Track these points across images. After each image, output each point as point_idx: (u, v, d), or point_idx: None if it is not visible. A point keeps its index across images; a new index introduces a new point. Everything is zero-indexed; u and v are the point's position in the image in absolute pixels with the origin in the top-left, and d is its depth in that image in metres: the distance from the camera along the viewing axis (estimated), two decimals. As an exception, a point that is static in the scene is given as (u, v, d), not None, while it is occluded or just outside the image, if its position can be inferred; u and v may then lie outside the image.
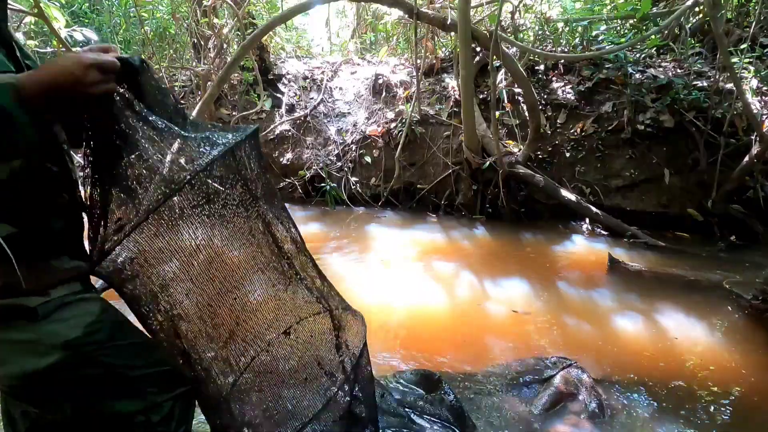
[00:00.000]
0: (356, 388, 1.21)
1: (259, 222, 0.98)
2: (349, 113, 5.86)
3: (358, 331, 1.19)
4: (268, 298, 1.04)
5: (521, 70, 4.37)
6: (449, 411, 1.56)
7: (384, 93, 5.86)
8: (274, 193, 1.03)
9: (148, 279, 0.89)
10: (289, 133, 5.71)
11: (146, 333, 0.94)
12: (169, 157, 0.84)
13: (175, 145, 0.85)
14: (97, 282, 0.94)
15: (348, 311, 1.17)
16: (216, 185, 0.88)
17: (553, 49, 5.44)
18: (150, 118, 0.81)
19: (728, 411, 1.78)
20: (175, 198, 0.84)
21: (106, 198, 0.85)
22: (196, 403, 1.03)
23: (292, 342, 1.11)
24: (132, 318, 0.94)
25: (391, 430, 1.46)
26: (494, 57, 4.13)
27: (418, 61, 5.40)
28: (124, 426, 0.87)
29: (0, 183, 0.73)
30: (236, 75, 5.80)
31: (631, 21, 5.20)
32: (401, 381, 1.77)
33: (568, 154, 4.68)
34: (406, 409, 1.56)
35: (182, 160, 0.84)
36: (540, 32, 5.60)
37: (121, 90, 0.78)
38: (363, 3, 6.53)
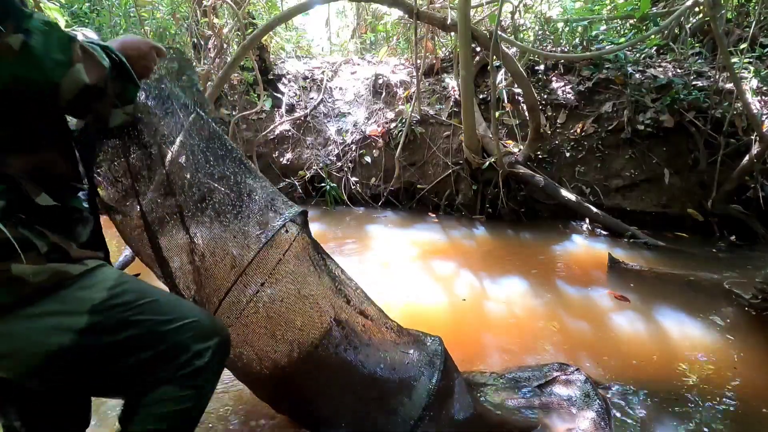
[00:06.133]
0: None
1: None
2: (349, 113, 5.86)
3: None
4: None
5: (521, 70, 4.37)
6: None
7: (384, 93, 5.86)
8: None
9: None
10: (289, 133, 5.71)
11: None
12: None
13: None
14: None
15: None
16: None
17: (553, 49, 5.44)
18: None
19: (728, 411, 1.78)
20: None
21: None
22: None
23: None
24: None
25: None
26: (494, 57, 4.13)
27: (418, 61, 5.40)
28: (166, 375, 0.84)
29: (106, 132, 0.91)
30: (236, 75, 5.80)
31: (631, 21, 5.20)
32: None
33: (568, 154, 4.68)
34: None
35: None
36: (540, 32, 5.60)
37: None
38: (363, 3, 6.53)
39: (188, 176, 1.03)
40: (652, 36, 4.73)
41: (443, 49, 6.20)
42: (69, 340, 0.75)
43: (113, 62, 0.81)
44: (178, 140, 1.02)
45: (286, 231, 1.10)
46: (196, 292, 1.08)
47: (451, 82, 5.54)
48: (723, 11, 4.36)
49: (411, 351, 1.37)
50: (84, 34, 0.86)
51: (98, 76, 0.77)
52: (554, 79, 5.11)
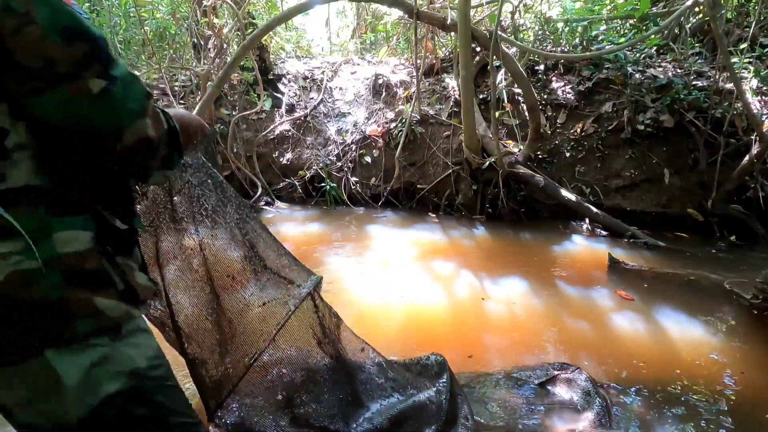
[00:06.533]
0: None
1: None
2: (349, 113, 5.86)
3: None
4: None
5: (521, 70, 4.37)
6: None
7: (384, 93, 5.86)
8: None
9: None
10: (289, 133, 5.71)
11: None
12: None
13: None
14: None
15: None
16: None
17: (553, 49, 5.44)
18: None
19: (728, 411, 1.78)
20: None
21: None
22: None
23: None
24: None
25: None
26: (494, 57, 4.13)
27: (418, 61, 5.40)
28: None
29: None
30: (236, 75, 5.80)
31: (631, 21, 5.21)
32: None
33: (568, 154, 4.68)
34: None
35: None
36: (540, 32, 5.60)
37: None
38: (363, 3, 6.53)
39: (217, 247, 1.14)
40: (652, 36, 4.74)
41: (443, 49, 6.20)
42: (98, 401, 0.71)
43: (169, 128, 0.85)
44: (210, 211, 1.12)
45: (311, 299, 1.24)
46: (221, 355, 1.18)
47: (451, 82, 5.54)
48: (723, 11, 4.36)
49: (418, 386, 1.47)
50: None
51: (158, 134, 0.80)
52: (554, 79, 5.11)
